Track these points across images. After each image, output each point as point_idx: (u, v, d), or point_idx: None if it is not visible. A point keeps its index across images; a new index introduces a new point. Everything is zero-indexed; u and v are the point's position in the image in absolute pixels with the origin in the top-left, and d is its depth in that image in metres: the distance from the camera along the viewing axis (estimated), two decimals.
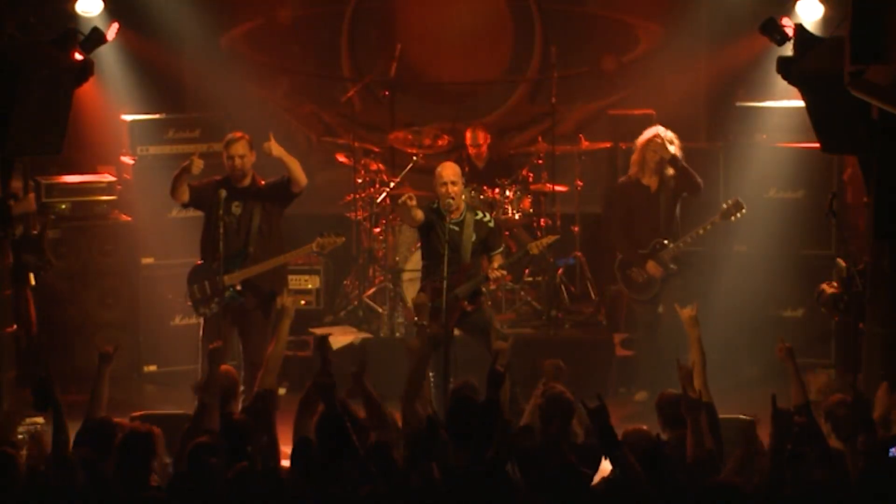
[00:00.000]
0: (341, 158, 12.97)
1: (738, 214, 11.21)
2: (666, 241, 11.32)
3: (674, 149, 11.25)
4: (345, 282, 12.91)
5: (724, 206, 11.26)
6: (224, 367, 8.92)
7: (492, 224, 10.52)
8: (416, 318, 10.44)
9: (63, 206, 12.06)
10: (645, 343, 11.60)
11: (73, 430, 7.90)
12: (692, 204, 11.55)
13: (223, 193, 10.31)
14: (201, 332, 10.59)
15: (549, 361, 8.70)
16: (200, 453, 7.22)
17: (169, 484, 7.43)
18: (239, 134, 10.58)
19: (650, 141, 11.31)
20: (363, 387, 8.07)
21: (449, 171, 10.43)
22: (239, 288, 10.41)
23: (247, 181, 10.47)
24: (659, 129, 11.35)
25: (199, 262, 10.59)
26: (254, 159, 10.50)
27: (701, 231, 11.33)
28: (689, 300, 10.96)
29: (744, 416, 8.91)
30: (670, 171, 11.32)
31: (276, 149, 10.41)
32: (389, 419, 8.16)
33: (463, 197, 10.46)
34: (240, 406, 8.81)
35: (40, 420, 10.69)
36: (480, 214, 10.49)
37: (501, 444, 7.16)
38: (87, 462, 7.33)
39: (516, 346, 11.00)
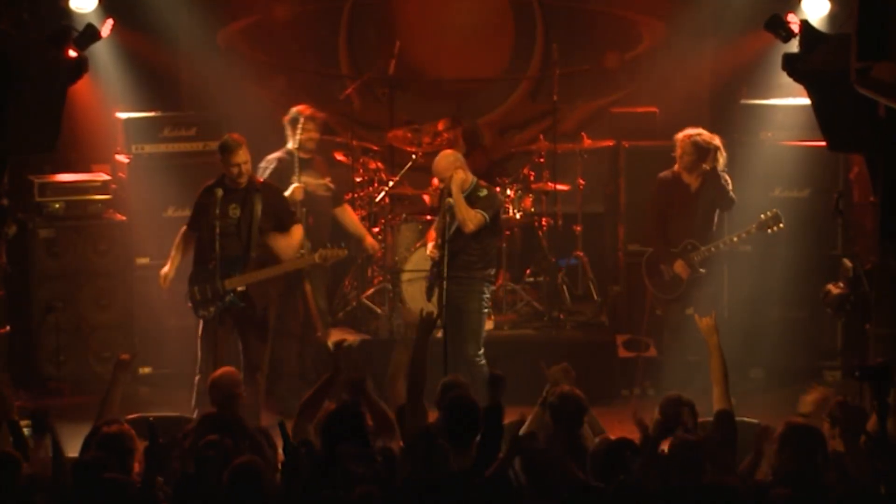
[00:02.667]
0: (340, 157, 12.83)
1: (776, 228, 11.02)
2: (698, 243, 11.12)
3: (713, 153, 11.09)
4: (343, 282, 12.78)
5: (762, 217, 11.04)
6: (226, 368, 8.88)
7: (482, 193, 10.62)
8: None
9: (57, 206, 11.96)
10: (672, 345, 11.39)
11: (75, 433, 7.97)
12: None
13: (220, 193, 10.22)
14: (200, 336, 10.48)
15: (556, 368, 8.52)
16: (207, 453, 7.22)
17: (175, 484, 7.40)
18: (237, 137, 10.50)
19: (683, 138, 11.14)
20: (366, 394, 7.95)
21: (434, 167, 10.74)
22: (240, 290, 10.29)
23: (244, 182, 10.36)
24: (698, 130, 11.20)
25: (198, 264, 10.46)
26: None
27: (735, 239, 11.14)
28: (716, 305, 10.95)
29: (749, 420, 8.85)
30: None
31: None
32: (395, 426, 8.04)
33: (466, 178, 10.60)
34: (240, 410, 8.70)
35: None
36: (481, 190, 10.66)
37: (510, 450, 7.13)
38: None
39: (517, 347, 10.89)
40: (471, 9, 13.86)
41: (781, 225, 10.99)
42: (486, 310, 10.84)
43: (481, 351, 10.68)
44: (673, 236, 11.24)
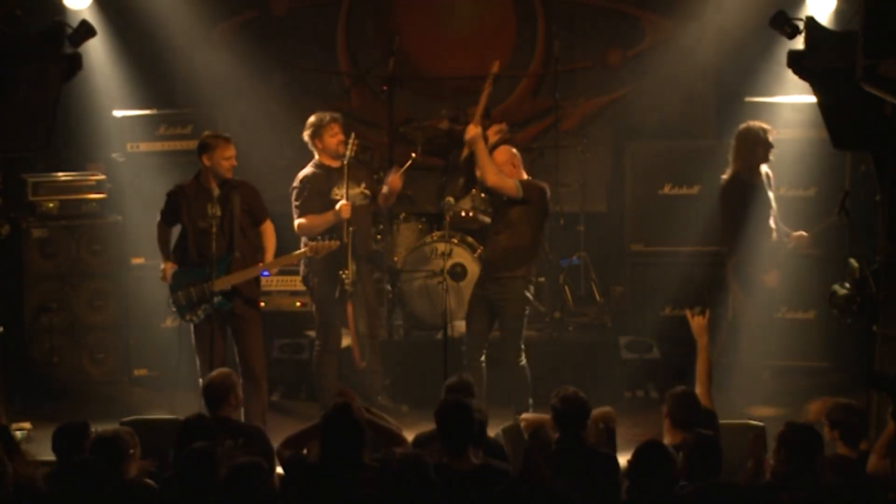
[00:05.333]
0: None
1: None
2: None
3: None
4: None
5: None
6: (222, 370, 8.83)
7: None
8: None
9: (51, 205, 11.85)
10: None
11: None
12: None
13: (217, 192, 10.10)
14: (194, 340, 10.38)
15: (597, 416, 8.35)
16: (199, 455, 7.20)
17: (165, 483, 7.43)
18: (222, 134, 10.43)
19: (747, 133, 10.91)
20: (367, 415, 7.87)
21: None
22: (228, 288, 10.17)
23: (230, 177, 10.27)
24: (755, 123, 10.95)
25: (180, 266, 10.33)
26: None
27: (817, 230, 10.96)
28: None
29: (754, 422, 8.78)
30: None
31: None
32: (402, 438, 8.02)
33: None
34: (236, 410, 8.67)
35: (27, 425, 10.55)
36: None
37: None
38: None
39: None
40: (471, 4, 13.76)
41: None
42: (527, 312, 10.65)
43: (522, 355, 10.56)
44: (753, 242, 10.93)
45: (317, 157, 10.77)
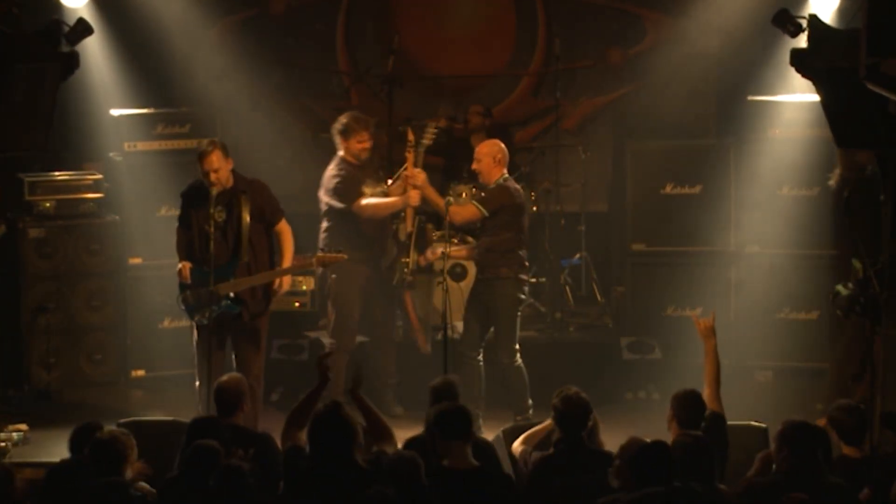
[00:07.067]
0: None
1: None
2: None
3: None
4: None
5: None
6: (233, 374, 8.73)
7: (492, 187, 10.64)
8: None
9: (48, 205, 11.75)
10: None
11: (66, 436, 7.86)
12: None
13: (214, 191, 9.97)
14: (195, 340, 10.25)
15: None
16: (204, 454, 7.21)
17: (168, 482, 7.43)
18: (209, 143, 10.15)
19: None
20: (361, 401, 7.85)
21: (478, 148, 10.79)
22: (232, 295, 10.04)
23: (218, 189, 10.01)
24: None
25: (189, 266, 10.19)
26: (231, 166, 10.10)
27: None
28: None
29: (757, 424, 8.75)
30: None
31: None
32: (390, 433, 7.92)
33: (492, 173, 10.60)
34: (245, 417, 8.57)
35: (24, 427, 10.50)
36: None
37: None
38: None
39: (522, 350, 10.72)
40: (472, 3, 13.70)
41: None
42: (517, 313, 10.55)
43: (517, 356, 10.51)
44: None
45: (341, 152, 10.77)
